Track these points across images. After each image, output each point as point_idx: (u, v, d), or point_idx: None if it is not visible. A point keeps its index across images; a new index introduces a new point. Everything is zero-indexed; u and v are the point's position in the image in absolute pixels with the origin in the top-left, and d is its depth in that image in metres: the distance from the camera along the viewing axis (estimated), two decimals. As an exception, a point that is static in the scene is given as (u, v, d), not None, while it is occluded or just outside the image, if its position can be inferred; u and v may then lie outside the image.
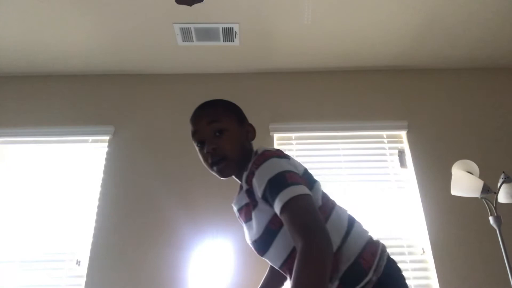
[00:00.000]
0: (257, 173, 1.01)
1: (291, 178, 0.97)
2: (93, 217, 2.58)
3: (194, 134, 1.14)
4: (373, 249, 1.00)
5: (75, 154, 2.82)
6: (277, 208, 0.95)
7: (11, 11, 2.52)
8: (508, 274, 2.10)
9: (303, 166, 1.11)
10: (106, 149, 2.82)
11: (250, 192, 1.05)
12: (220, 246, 2.47)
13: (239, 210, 1.15)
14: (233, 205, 1.19)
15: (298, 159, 2.80)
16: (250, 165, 1.06)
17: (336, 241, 0.99)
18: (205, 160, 1.14)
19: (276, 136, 2.87)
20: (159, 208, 2.60)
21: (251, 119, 2.91)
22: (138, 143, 2.83)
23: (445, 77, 3.10)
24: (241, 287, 2.35)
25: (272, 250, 1.05)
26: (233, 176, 1.17)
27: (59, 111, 2.95)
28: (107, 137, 2.85)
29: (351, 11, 2.59)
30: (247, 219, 1.11)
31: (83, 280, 2.40)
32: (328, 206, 1.06)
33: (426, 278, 2.44)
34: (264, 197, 1.01)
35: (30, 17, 2.57)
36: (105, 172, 2.73)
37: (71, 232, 2.55)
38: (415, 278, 2.43)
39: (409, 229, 2.58)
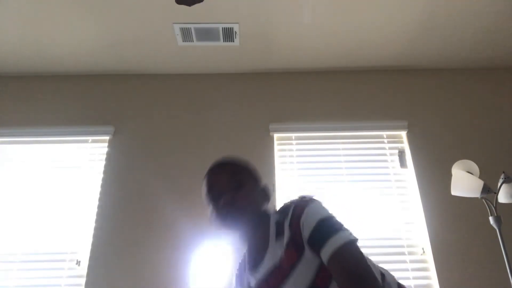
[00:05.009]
0: (305, 212, 0.97)
1: (340, 222, 0.96)
2: (93, 217, 2.59)
3: None
4: None
5: (75, 154, 2.82)
6: (328, 251, 0.90)
7: (11, 12, 2.52)
8: (508, 274, 2.10)
9: None
10: (106, 149, 2.82)
11: (294, 241, 0.96)
12: (220, 246, 2.47)
13: (264, 279, 1.02)
14: (250, 275, 1.07)
15: (298, 159, 2.82)
16: (290, 212, 1.01)
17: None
18: None
19: (276, 136, 2.87)
20: (159, 208, 2.60)
21: (251, 119, 2.95)
22: (138, 143, 2.83)
23: (445, 77, 3.10)
24: (241, 287, 2.35)
25: None
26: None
27: (59, 111, 2.95)
28: (107, 137, 2.85)
29: (351, 11, 2.59)
30: (278, 283, 0.98)
31: (83, 280, 2.40)
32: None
33: (426, 278, 2.44)
34: (311, 240, 0.94)
35: (30, 17, 2.57)
36: (105, 172, 2.73)
37: (71, 232, 2.55)
38: (415, 278, 2.43)
39: (409, 229, 2.58)
